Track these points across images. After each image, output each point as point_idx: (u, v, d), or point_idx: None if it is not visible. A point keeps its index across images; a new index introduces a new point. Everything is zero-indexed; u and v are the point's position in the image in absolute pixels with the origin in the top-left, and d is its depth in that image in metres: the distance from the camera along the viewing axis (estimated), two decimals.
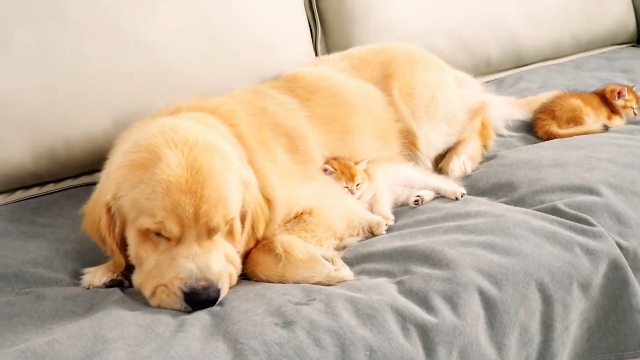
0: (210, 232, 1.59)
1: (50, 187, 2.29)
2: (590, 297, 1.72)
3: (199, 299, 1.54)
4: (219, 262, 1.60)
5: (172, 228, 1.56)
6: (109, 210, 1.64)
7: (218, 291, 1.56)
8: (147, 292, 1.61)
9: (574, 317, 1.69)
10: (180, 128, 1.66)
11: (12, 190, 2.25)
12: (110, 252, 1.70)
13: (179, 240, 1.58)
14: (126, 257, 1.69)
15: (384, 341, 1.44)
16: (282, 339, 1.41)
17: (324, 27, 2.89)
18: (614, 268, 1.75)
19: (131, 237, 1.64)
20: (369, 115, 2.24)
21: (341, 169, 2.00)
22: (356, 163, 2.05)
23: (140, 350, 1.37)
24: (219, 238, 1.63)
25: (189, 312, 1.54)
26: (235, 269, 1.68)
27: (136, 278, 1.65)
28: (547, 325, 1.64)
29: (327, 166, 2.02)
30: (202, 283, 1.54)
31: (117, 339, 1.40)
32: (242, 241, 1.71)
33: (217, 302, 1.56)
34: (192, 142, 1.62)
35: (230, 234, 1.68)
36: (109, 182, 1.64)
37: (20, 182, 2.25)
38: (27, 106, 2.16)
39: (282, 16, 2.67)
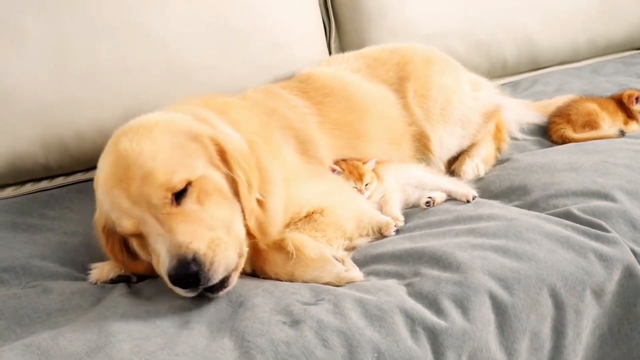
0: (159, 207, 1.49)
1: (60, 181, 2.30)
2: (603, 304, 1.69)
3: (176, 279, 1.45)
4: (188, 232, 1.46)
5: (124, 224, 1.52)
6: (103, 229, 1.65)
7: (197, 264, 1.43)
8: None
9: (586, 324, 1.66)
10: (124, 128, 1.62)
11: (22, 182, 2.27)
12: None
13: (143, 231, 1.52)
14: (129, 262, 1.69)
15: (392, 343, 1.42)
16: (289, 338, 1.39)
17: (339, 26, 2.87)
18: (628, 275, 1.71)
19: (133, 243, 1.64)
20: (382, 120, 2.22)
21: (349, 169, 1.98)
22: (364, 163, 2.03)
23: (144, 344, 1.36)
24: (190, 206, 1.51)
25: (196, 296, 1.49)
26: (226, 231, 1.53)
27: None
28: (559, 331, 1.61)
29: (335, 167, 2.00)
30: (173, 262, 1.44)
31: (121, 332, 1.39)
32: (244, 196, 1.60)
33: (210, 273, 1.45)
34: (121, 134, 1.58)
35: (213, 194, 1.56)
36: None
37: (30, 175, 2.26)
38: (38, 99, 2.17)
39: (296, 14, 2.66)
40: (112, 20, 2.27)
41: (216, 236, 1.50)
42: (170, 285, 1.48)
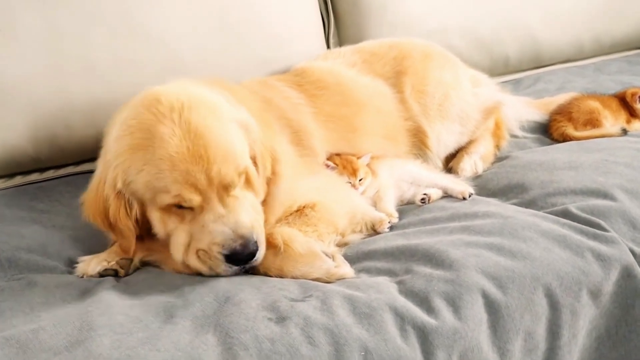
0: (228, 189, 1.59)
1: (50, 174, 2.27)
2: (600, 305, 1.65)
3: (241, 257, 1.57)
4: (247, 215, 1.60)
5: (192, 198, 1.56)
6: (119, 195, 1.62)
7: (255, 243, 1.57)
8: (192, 262, 1.61)
9: (583, 324, 1.63)
10: (161, 95, 1.63)
11: (11, 175, 2.24)
12: (120, 236, 1.68)
13: (202, 207, 1.58)
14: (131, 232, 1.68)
15: (380, 342, 1.39)
16: (274, 334, 1.36)
17: (337, 20, 2.84)
18: (627, 275, 1.67)
19: (154, 216, 1.64)
20: (378, 114, 2.20)
21: (343, 164, 1.96)
22: (358, 158, 2.00)
23: (126, 339, 1.34)
24: (238, 191, 1.62)
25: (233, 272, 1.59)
26: (260, 218, 1.67)
27: (176, 253, 1.63)
28: (554, 332, 1.58)
29: (329, 162, 1.98)
30: (240, 242, 1.56)
31: (103, 327, 1.37)
32: (261, 184, 1.70)
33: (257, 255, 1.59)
34: (179, 106, 1.59)
35: (247, 183, 1.66)
36: (113, 169, 1.61)
37: (20, 167, 2.23)
38: (30, 91, 2.14)
39: (295, 9, 2.64)
40: (106, 13, 2.25)
41: (260, 222, 1.65)
42: (219, 261, 1.57)
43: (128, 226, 1.65)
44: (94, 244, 1.81)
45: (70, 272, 1.72)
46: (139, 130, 1.59)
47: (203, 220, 1.58)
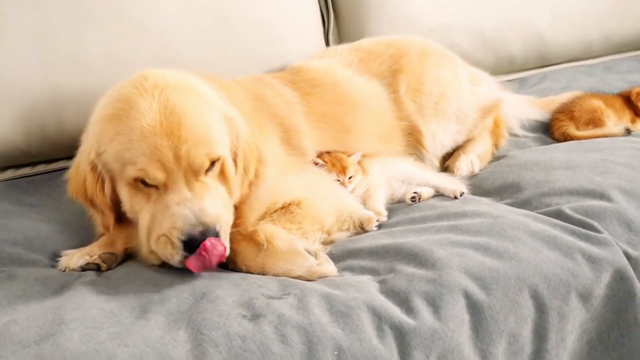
0: (197, 173, 1.56)
1: (41, 168, 2.28)
2: (591, 308, 1.61)
3: (198, 243, 1.50)
4: (213, 204, 1.56)
5: (156, 174, 1.53)
6: (94, 168, 1.62)
7: (217, 234, 1.52)
8: (155, 248, 1.57)
9: (572, 328, 1.58)
10: (150, 74, 1.64)
11: (3, 168, 2.24)
12: (100, 212, 1.68)
13: (167, 187, 1.55)
14: (116, 218, 1.67)
15: (354, 341, 1.36)
16: (246, 332, 1.34)
17: (337, 16, 2.80)
18: (619, 278, 1.63)
19: (123, 192, 1.62)
20: (372, 115, 2.17)
21: (332, 162, 1.93)
22: (348, 155, 1.97)
23: (96, 333, 1.33)
24: (210, 180, 1.59)
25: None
26: (229, 216, 1.62)
27: (141, 237, 1.62)
28: (540, 335, 1.54)
29: (318, 160, 1.95)
30: (199, 229, 1.51)
31: (74, 321, 1.36)
32: (237, 183, 1.68)
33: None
34: (163, 84, 1.60)
35: (222, 176, 1.63)
36: (90, 139, 1.63)
37: (11, 161, 2.23)
38: (21, 86, 2.14)
39: (293, 5, 2.61)
40: (99, 8, 2.24)
41: (226, 218, 1.59)
42: (177, 247, 1.52)
43: (105, 202, 1.64)
44: (81, 238, 1.81)
45: (53, 266, 1.71)
46: (118, 100, 1.60)
47: (167, 201, 1.54)
